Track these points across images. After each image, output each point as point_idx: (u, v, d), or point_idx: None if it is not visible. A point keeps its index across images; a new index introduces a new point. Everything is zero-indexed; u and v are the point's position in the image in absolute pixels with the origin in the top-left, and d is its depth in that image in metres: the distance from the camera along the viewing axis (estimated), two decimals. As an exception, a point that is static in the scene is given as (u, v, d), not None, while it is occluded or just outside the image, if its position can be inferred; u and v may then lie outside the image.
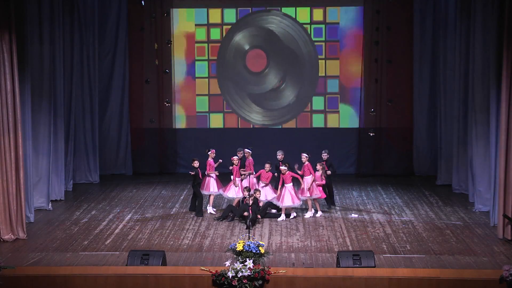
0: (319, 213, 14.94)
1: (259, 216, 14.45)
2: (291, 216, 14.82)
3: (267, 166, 15.06)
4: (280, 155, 15.18)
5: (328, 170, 15.17)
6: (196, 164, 15.07)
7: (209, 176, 15.15)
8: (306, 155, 14.93)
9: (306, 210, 15.03)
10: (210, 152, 15.22)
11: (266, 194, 15.03)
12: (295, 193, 14.67)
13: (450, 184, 17.39)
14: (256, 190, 14.77)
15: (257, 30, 19.46)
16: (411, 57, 19.03)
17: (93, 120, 18.58)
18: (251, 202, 14.33)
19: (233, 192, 15.11)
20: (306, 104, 19.61)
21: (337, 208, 15.58)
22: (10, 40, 12.87)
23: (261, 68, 19.52)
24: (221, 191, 15.24)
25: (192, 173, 15.08)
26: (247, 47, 19.49)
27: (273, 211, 15.02)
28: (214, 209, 15.18)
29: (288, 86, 19.57)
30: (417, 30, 18.89)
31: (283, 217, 14.69)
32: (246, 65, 19.54)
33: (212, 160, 15.18)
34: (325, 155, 15.47)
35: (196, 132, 19.69)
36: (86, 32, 18.19)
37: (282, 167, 14.69)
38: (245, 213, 14.16)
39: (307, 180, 14.80)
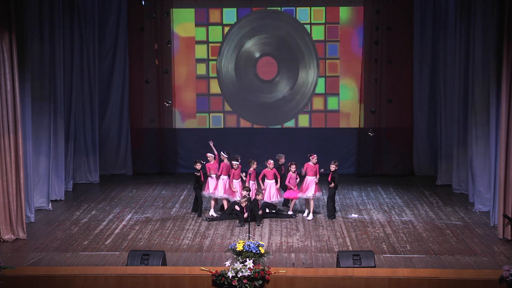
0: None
1: (260, 212, 14.55)
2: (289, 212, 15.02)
3: (270, 163, 15.07)
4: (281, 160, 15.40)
5: (332, 182, 14.80)
6: (198, 166, 15.05)
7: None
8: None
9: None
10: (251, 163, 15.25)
11: (271, 193, 15.06)
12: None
13: (450, 184, 17.39)
14: (259, 192, 14.78)
15: (258, 30, 19.47)
16: (411, 57, 19.02)
17: (93, 120, 18.58)
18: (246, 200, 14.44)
19: (222, 192, 15.13)
20: (306, 104, 19.61)
21: (337, 208, 15.57)
22: (10, 40, 12.87)
23: (271, 76, 19.59)
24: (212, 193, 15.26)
25: (197, 174, 15.08)
26: (253, 52, 19.53)
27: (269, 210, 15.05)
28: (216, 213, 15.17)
29: (288, 85, 19.57)
30: (417, 30, 18.89)
31: (311, 216, 14.80)
32: (255, 72, 19.58)
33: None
34: (333, 167, 14.74)
35: (196, 132, 19.69)
36: (86, 32, 18.19)
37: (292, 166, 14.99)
38: (237, 207, 14.41)
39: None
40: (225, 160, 15.23)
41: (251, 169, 15.08)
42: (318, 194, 14.90)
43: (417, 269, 11.32)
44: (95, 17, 18.45)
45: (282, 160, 15.57)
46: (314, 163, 14.86)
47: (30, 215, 14.28)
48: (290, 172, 14.98)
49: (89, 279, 10.97)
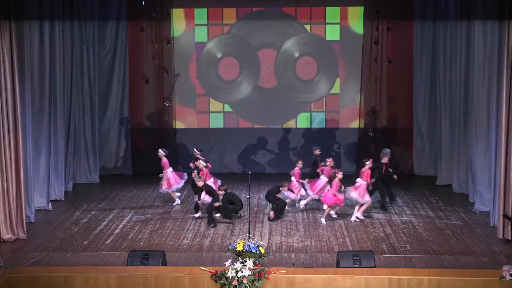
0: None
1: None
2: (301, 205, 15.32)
3: (330, 161, 15.40)
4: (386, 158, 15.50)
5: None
6: (199, 164, 15.06)
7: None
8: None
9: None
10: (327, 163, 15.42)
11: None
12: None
13: (450, 184, 17.39)
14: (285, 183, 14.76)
15: (256, 30, 19.47)
16: (411, 57, 19.02)
17: (93, 120, 18.57)
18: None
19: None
20: (306, 104, 19.60)
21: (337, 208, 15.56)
22: (10, 40, 12.87)
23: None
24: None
25: (200, 171, 15.08)
26: (220, 54, 19.53)
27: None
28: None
29: (288, 85, 19.56)
30: (417, 30, 18.88)
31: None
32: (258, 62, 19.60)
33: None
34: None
35: (196, 132, 19.68)
36: (86, 32, 18.19)
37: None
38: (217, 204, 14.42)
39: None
40: (199, 157, 15.28)
41: (297, 168, 15.26)
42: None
43: (417, 269, 11.32)
44: (95, 17, 18.44)
45: (386, 159, 15.56)
46: (370, 168, 14.76)
47: (30, 215, 14.28)
48: (336, 179, 14.59)
49: (89, 279, 10.95)
